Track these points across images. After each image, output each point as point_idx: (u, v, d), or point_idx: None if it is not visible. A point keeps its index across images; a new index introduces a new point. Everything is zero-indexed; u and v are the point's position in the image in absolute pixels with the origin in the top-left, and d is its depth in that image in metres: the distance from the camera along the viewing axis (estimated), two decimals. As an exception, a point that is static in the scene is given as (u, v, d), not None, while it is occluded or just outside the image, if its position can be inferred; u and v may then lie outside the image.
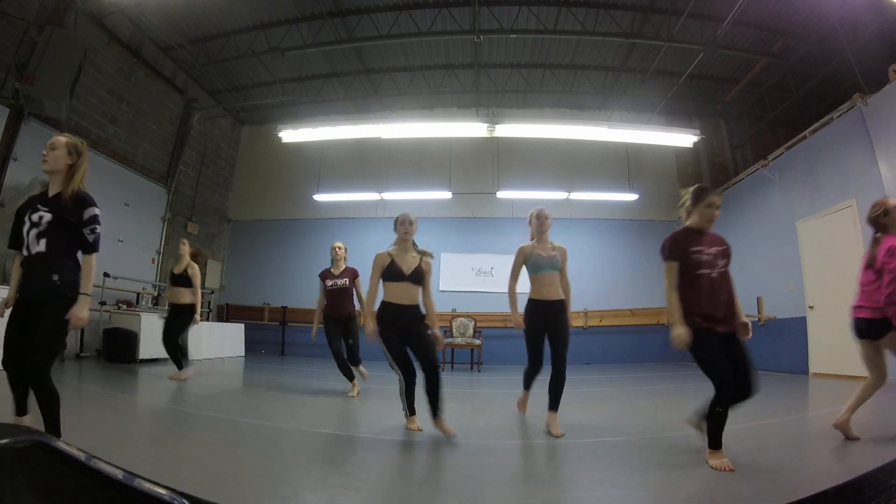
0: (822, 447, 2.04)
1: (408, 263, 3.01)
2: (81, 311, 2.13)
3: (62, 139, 2.29)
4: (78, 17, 6.74)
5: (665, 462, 2.40)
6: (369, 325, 2.90)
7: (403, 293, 2.96)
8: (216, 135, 10.96)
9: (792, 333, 6.87)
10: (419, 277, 3.01)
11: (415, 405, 3.00)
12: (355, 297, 4.73)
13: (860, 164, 5.86)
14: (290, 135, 8.60)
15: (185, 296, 5.33)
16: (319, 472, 2.26)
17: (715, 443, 2.30)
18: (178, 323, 5.32)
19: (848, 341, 5.80)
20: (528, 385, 3.44)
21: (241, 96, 10.57)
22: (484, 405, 4.59)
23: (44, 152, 2.25)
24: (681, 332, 2.35)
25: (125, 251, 8.09)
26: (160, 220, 9.21)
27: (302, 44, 8.39)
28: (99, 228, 2.24)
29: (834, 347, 6.16)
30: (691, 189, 2.67)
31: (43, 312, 2.10)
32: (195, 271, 5.37)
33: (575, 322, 11.89)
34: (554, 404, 3.09)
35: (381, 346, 2.93)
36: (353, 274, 4.70)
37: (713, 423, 2.32)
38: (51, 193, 2.23)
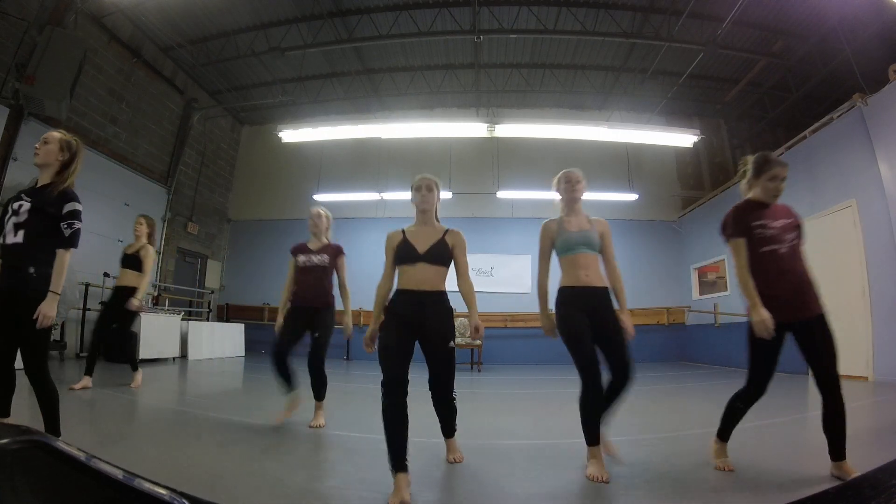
0: (823, 447, 2.04)
1: (424, 239, 2.27)
2: (49, 310, 2.06)
3: (56, 135, 2.28)
4: (78, 17, 6.75)
5: (665, 462, 2.40)
6: (369, 329, 2.23)
7: (418, 277, 2.20)
8: (216, 135, 10.97)
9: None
10: (440, 256, 2.24)
11: (406, 457, 1.91)
12: (336, 286, 3.44)
13: (860, 164, 5.86)
14: (290, 135, 8.60)
15: (130, 279, 4.52)
16: (318, 472, 2.26)
17: (724, 433, 2.26)
18: (117, 311, 4.46)
19: (847, 341, 5.82)
20: (594, 431, 2.20)
21: (241, 96, 10.57)
22: (484, 405, 4.58)
23: (36, 145, 2.24)
24: (764, 317, 2.08)
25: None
26: (160, 220, 9.21)
27: (302, 44, 8.40)
28: (78, 224, 2.17)
29: (834, 347, 6.15)
30: (752, 159, 2.41)
31: (22, 308, 2.04)
32: (148, 253, 4.61)
33: None
34: (599, 432, 2.24)
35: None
36: (335, 251, 3.38)
37: (728, 414, 2.26)
38: (38, 185, 2.23)
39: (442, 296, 2.24)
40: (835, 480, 1.94)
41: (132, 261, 4.58)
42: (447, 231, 2.35)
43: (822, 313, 2.18)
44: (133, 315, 4.58)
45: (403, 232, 2.34)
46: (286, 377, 3.19)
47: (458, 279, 2.33)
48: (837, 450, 2.01)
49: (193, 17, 8.12)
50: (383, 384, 1.99)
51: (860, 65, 6.93)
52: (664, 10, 7.71)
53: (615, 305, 2.41)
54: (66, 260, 2.15)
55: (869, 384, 5.25)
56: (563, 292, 2.40)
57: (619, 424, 3.45)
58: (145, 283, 4.60)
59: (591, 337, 2.26)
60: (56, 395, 2.16)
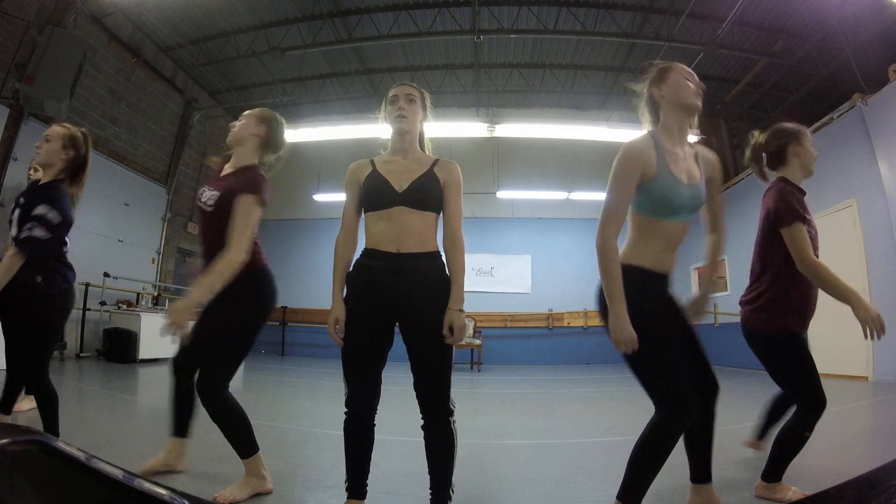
0: (822, 447, 2.04)
1: (403, 172, 1.56)
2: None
3: (59, 129, 2.07)
4: (78, 17, 6.75)
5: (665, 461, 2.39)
6: (333, 311, 1.51)
7: (396, 230, 1.49)
8: (216, 135, 10.96)
9: (792, 333, 6.87)
10: (427, 197, 1.53)
11: (366, 483, 1.60)
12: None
13: (860, 164, 5.87)
14: (290, 135, 8.59)
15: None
16: (319, 473, 2.26)
17: (778, 474, 1.83)
18: None
19: (847, 341, 5.84)
20: (643, 486, 1.47)
21: (241, 96, 10.57)
22: (484, 405, 4.58)
23: (37, 143, 2.07)
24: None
25: (125, 251, 8.09)
26: (160, 220, 9.22)
27: (302, 44, 8.40)
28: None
29: (833, 347, 6.16)
30: (776, 129, 1.97)
31: (29, 313, 1.99)
32: None
33: (574, 321, 11.83)
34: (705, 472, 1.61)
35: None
36: (242, 180, 1.86)
37: (791, 448, 1.83)
38: (40, 183, 2.10)
39: (432, 260, 1.54)
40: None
41: None
42: (437, 161, 1.61)
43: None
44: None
45: (372, 163, 1.61)
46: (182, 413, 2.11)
47: (444, 233, 1.59)
48: (772, 471, 1.84)
49: (193, 17, 8.12)
50: (347, 403, 1.55)
51: (860, 65, 6.92)
52: (664, 10, 7.71)
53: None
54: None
55: (869, 384, 5.25)
56: (640, 276, 1.47)
57: (620, 424, 3.46)
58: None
59: (681, 343, 1.52)
60: (56, 398, 2.16)
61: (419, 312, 1.49)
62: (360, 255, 1.57)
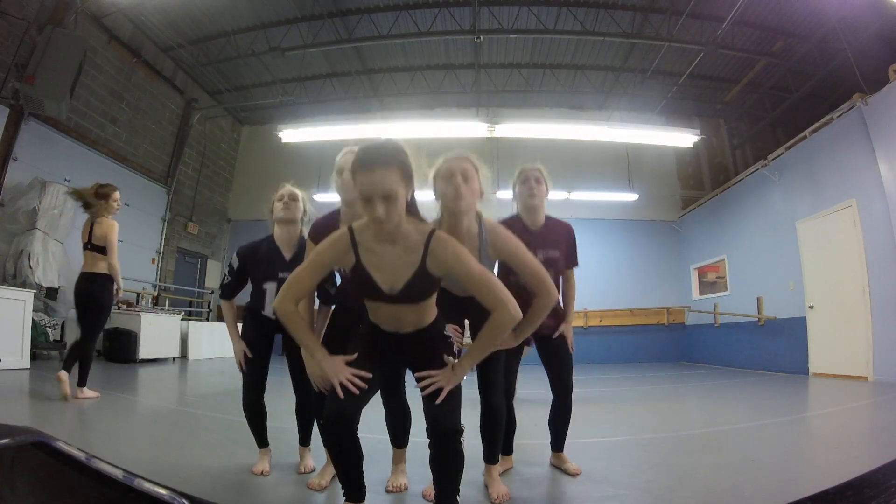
0: (822, 447, 2.04)
1: (392, 267, 1.40)
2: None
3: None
4: (78, 17, 6.75)
5: (664, 462, 2.40)
6: (332, 362, 1.44)
7: (392, 318, 1.49)
8: (216, 135, 10.96)
9: (792, 333, 6.87)
10: (420, 295, 1.44)
11: (363, 485, 1.54)
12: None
13: (860, 164, 5.86)
14: (290, 135, 8.59)
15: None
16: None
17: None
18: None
19: (847, 341, 5.84)
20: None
21: (241, 96, 10.57)
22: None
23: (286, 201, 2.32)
24: None
25: (125, 251, 8.03)
26: (160, 220, 9.22)
27: (302, 44, 8.40)
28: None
29: (834, 347, 6.16)
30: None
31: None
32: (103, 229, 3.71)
33: (574, 322, 12.17)
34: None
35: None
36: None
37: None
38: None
39: (432, 328, 1.55)
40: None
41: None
42: (428, 245, 1.39)
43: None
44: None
45: (355, 246, 1.41)
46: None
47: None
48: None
49: (193, 17, 8.12)
50: (326, 419, 1.39)
51: (860, 65, 6.92)
52: (664, 10, 7.71)
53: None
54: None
55: (869, 384, 5.25)
56: None
57: (620, 424, 3.46)
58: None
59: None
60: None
61: (421, 360, 1.52)
62: (368, 317, 1.56)
